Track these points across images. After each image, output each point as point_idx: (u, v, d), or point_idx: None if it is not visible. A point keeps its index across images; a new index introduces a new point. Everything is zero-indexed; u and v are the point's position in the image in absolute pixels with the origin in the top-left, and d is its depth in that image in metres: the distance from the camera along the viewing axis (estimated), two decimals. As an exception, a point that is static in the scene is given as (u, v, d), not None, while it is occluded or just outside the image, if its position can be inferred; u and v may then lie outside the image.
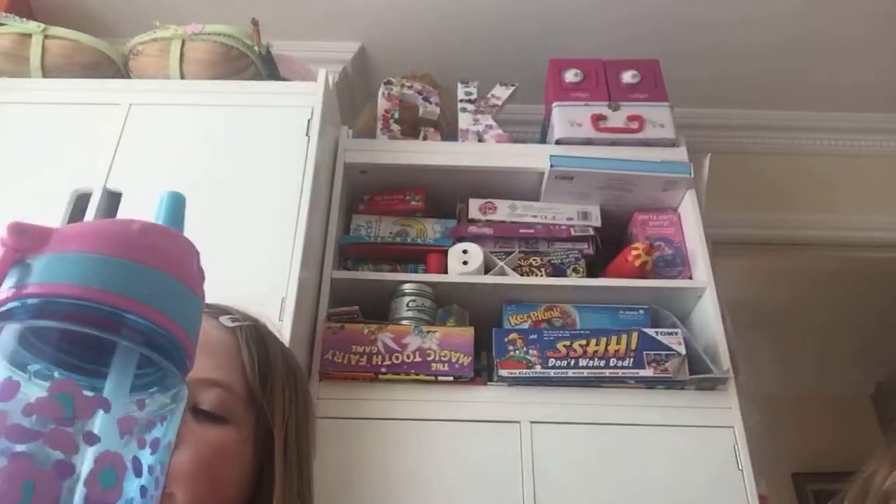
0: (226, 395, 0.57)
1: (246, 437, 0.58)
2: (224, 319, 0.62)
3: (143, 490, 0.31)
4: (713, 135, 2.14)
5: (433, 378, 1.29)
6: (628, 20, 1.91)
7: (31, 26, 1.56)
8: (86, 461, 0.29)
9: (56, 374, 0.31)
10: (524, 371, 1.29)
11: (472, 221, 1.53)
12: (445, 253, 1.47)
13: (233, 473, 0.57)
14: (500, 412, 1.28)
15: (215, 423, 0.56)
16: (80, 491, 0.28)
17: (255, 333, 0.63)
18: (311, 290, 1.36)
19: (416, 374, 1.29)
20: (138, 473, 0.31)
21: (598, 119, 1.59)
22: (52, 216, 1.30)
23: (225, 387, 0.57)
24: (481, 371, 1.35)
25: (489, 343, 1.34)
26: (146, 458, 0.31)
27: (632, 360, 1.29)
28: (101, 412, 0.30)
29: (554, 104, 1.63)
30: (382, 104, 1.69)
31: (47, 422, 0.28)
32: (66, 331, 0.31)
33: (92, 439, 0.29)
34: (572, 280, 1.44)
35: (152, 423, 0.32)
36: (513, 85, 1.72)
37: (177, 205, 0.38)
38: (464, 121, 1.66)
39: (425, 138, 1.64)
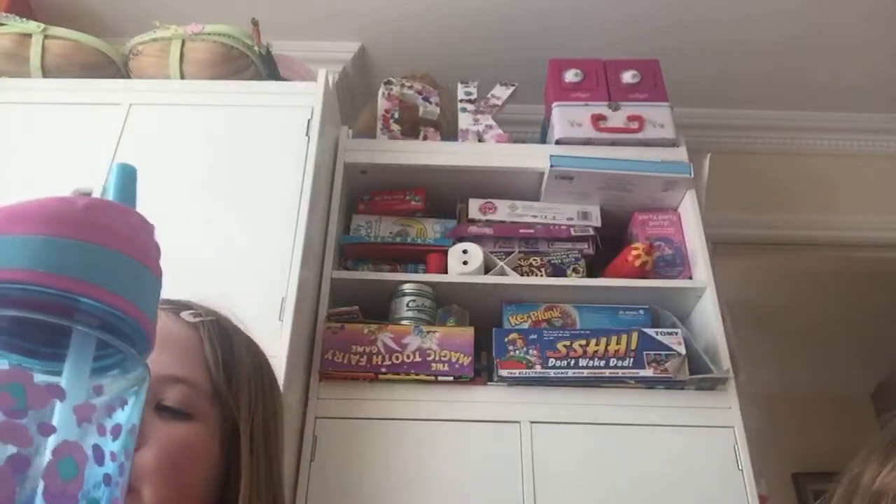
0: (190, 391, 0.56)
1: (212, 434, 0.57)
2: (186, 315, 0.61)
3: (107, 477, 0.30)
4: (713, 135, 2.14)
5: (433, 378, 1.29)
6: (628, 20, 1.91)
7: (31, 26, 1.56)
8: (43, 453, 0.28)
9: (7, 363, 0.29)
10: (524, 371, 1.29)
11: (472, 221, 1.53)
12: (445, 253, 1.47)
13: (200, 471, 0.55)
14: (500, 412, 1.28)
15: (180, 419, 0.54)
16: (39, 484, 0.27)
17: (217, 328, 0.62)
18: (311, 290, 1.36)
19: (416, 374, 1.29)
20: (100, 461, 0.30)
21: (598, 119, 1.59)
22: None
23: (189, 383, 0.56)
24: (481, 371, 1.35)
25: (489, 343, 1.34)
26: (108, 444, 0.30)
27: (632, 360, 1.29)
28: (56, 401, 0.28)
29: (554, 104, 1.63)
30: (382, 104, 1.69)
31: None
32: (17, 317, 0.29)
33: (48, 430, 0.28)
34: (572, 280, 1.44)
35: (112, 407, 0.31)
36: (513, 85, 1.72)
37: (127, 178, 0.36)
38: (464, 121, 1.65)
39: (425, 138, 1.64)
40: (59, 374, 0.29)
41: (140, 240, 0.33)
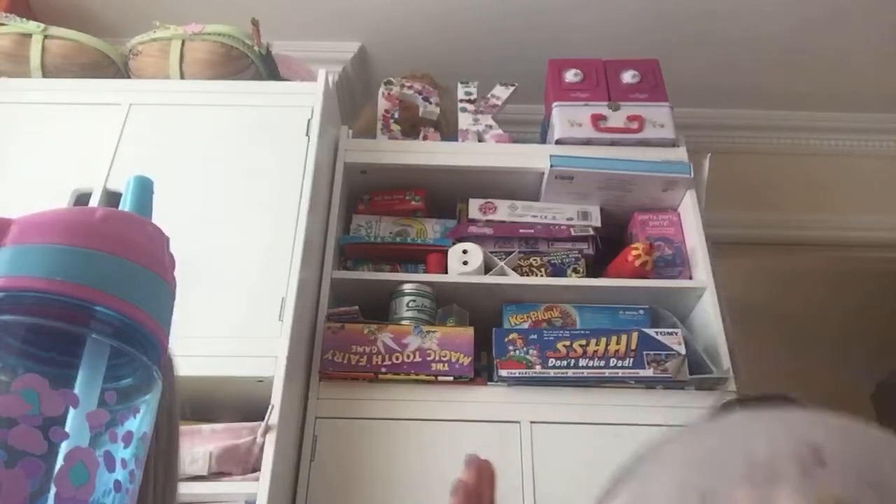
0: None
1: None
2: None
3: (118, 484, 0.30)
4: (713, 135, 2.14)
5: (433, 378, 1.29)
6: (629, 20, 1.91)
7: (31, 26, 1.56)
8: (56, 458, 0.28)
9: (21, 370, 0.30)
10: (524, 371, 1.29)
11: (472, 221, 1.53)
12: (445, 253, 1.47)
13: None
14: (500, 412, 1.28)
15: None
16: (51, 489, 0.27)
17: None
18: (311, 290, 1.36)
19: (416, 374, 1.29)
20: (111, 468, 0.30)
21: (597, 119, 1.59)
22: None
23: None
24: (481, 371, 1.35)
25: (489, 343, 1.34)
26: (119, 451, 0.31)
27: (632, 360, 1.29)
28: (69, 408, 0.29)
29: (554, 104, 1.63)
30: (382, 104, 1.69)
31: (12, 420, 0.27)
32: (34, 324, 0.30)
33: (60, 436, 0.28)
34: (572, 280, 1.44)
35: (125, 415, 0.31)
36: (513, 85, 1.72)
37: (143, 189, 0.36)
38: (464, 121, 1.65)
39: (425, 138, 1.64)
40: (73, 381, 0.30)
41: (156, 251, 0.34)
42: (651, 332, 1.33)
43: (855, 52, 2.00)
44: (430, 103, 1.69)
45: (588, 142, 1.58)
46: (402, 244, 1.51)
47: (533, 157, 1.56)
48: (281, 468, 1.12)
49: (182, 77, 1.53)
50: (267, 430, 1.10)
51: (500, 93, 1.71)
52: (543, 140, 1.71)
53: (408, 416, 1.27)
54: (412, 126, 1.69)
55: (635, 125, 1.59)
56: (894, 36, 1.95)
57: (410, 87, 1.71)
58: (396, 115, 1.66)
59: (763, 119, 2.20)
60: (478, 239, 1.49)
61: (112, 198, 1.35)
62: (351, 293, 1.42)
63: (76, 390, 0.29)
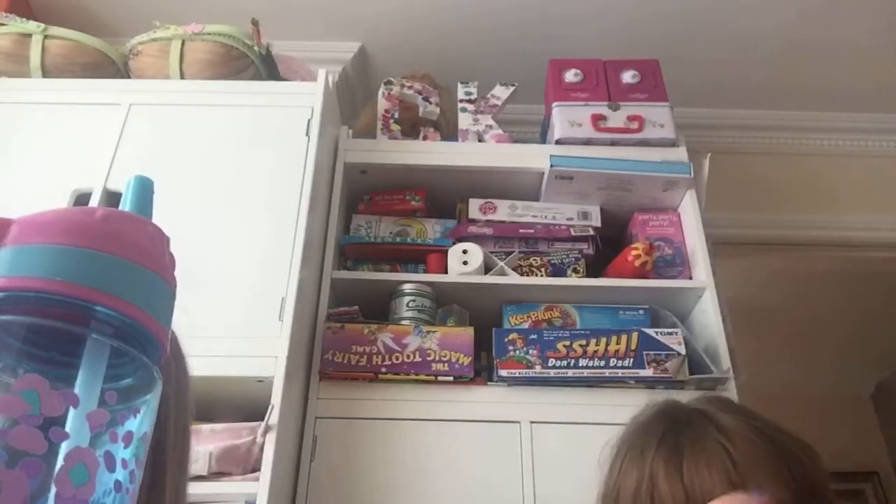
0: None
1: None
2: None
3: (118, 484, 0.30)
4: (713, 135, 2.14)
5: (433, 378, 1.29)
6: (630, 21, 1.91)
7: (31, 26, 1.56)
8: (56, 458, 0.28)
9: (21, 370, 0.30)
10: (524, 371, 1.29)
11: (472, 221, 1.53)
12: (445, 253, 1.47)
13: None
14: (500, 412, 1.28)
15: None
16: (51, 489, 0.28)
17: None
18: (311, 290, 1.36)
19: (416, 374, 1.29)
20: (111, 468, 0.30)
21: (597, 119, 1.59)
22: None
23: None
24: (481, 371, 1.35)
25: (489, 343, 1.34)
26: (119, 451, 0.31)
27: (632, 360, 1.29)
28: (70, 408, 0.29)
29: (554, 104, 1.63)
30: (382, 104, 1.69)
31: (12, 420, 0.27)
32: (34, 324, 0.30)
33: (61, 436, 0.28)
34: (572, 280, 1.44)
35: (125, 415, 0.32)
36: (513, 85, 1.72)
37: (143, 189, 0.37)
38: (464, 121, 1.65)
39: (425, 138, 1.64)
40: (73, 381, 0.30)
41: (156, 250, 0.34)
42: (651, 332, 1.33)
43: (855, 51, 2.00)
44: (430, 103, 1.69)
45: (588, 142, 1.58)
46: (402, 244, 1.51)
47: (533, 157, 1.56)
48: (281, 468, 1.12)
49: (182, 77, 1.53)
50: (267, 430, 1.10)
51: (500, 93, 1.71)
52: (543, 140, 1.71)
53: (407, 416, 1.27)
54: (412, 126, 1.69)
55: (635, 125, 1.59)
56: (894, 36, 1.95)
57: (410, 87, 1.71)
58: (396, 115, 1.66)
59: (763, 119, 2.20)
60: (478, 239, 1.49)
61: (112, 198, 1.35)
62: (351, 293, 1.42)
63: (76, 390, 0.30)
